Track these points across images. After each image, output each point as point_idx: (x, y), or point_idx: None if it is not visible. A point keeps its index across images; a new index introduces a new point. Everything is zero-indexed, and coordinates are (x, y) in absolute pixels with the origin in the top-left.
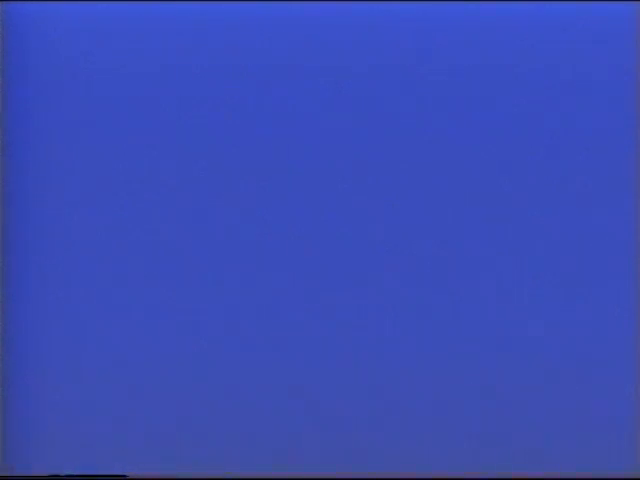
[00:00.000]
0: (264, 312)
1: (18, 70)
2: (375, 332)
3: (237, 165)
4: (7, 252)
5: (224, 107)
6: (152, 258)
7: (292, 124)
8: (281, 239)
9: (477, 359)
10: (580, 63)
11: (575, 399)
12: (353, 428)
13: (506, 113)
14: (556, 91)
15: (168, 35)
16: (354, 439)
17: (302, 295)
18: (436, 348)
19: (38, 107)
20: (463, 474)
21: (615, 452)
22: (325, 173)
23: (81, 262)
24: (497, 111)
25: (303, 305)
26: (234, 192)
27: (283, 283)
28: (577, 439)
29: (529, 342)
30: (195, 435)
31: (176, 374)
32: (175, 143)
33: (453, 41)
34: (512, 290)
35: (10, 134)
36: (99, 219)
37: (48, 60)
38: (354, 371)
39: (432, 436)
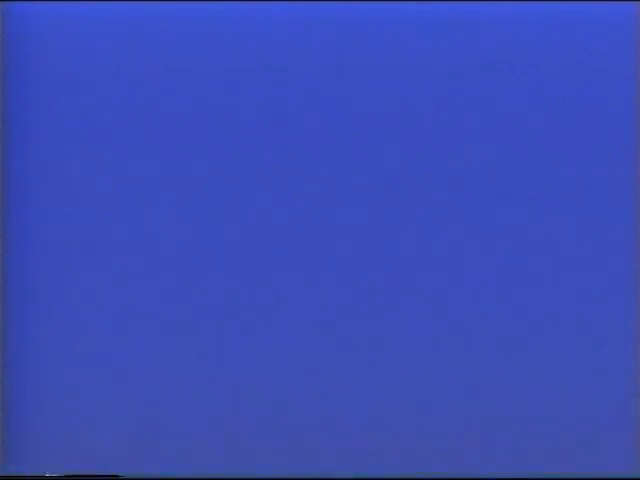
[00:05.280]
0: (263, 313)
1: (18, 70)
2: (374, 331)
3: (236, 164)
4: (7, 251)
5: (224, 107)
6: (152, 258)
7: (291, 123)
8: (281, 239)
9: (476, 358)
10: (580, 63)
11: (575, 399)
12: (352, 428)
13: (506, 112)
14: (556, 90)
15: (168, 35)
16: (354, 439)
17: (300, 294)
18: (435, 348)
19: (38, 107)
20: (463, 474)
21: (615, 452)
22: (324, 172)
23: (81, 261)
24: (497, 111)
25: (301, 304)
26: (233, 191)
27: (282, 283)
28: (577, 439)
29: (529, 342)
30: (193, 435)
31: (175, 375)
32: (174, 142)
33: (452, 41)
34: (511, 291)
35: (10, 134)
36: (99, 219)
37: (48, 60)
38: (354, 371)
39: (431, 436)
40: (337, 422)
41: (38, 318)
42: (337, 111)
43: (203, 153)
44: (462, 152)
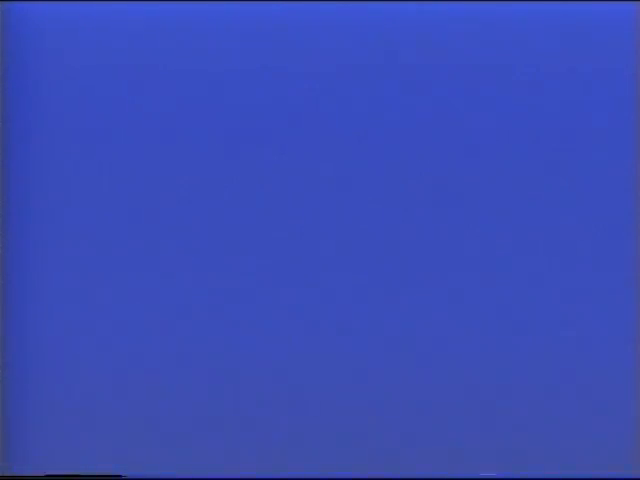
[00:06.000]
0: (264, 314)
1: (18, 70)
2: (374, 332)
3: (236, 164)
4: (7, 251)
5: (224, 107)
6: (152, 259)
7: (291, 123)
8: (280, 238)
9: (476, 358)
10: (580, 63)
11: (575, 399)
12: (352, 428)
13: (505, 112)
14: (556, 91)
15: (168, 35)
16: (352, 439)
17: (300, 295)
18: (434, 347)
19: (38, 106)
20: (463, 474)
21: (615, 452)
22: (324, 172)
23: (80, 261)
24: (496, 111)
25: (301, 304)
26: (233, 191)
27: (282, 283)
28: (577, 439)
29: (529, 343)
30: (194, 434)
31: (176, 375)
32: (174, 142)
33: (452, 41)
34: (512, 291)
35: (10, 134)
36: (99, 219)
37: (48, 60)
38: (353, 372)
39: (431, 436)
40: (337, 422)
41: (38, 318)
42: (337, 111)
43: (203, 152)
44: (462, 152)
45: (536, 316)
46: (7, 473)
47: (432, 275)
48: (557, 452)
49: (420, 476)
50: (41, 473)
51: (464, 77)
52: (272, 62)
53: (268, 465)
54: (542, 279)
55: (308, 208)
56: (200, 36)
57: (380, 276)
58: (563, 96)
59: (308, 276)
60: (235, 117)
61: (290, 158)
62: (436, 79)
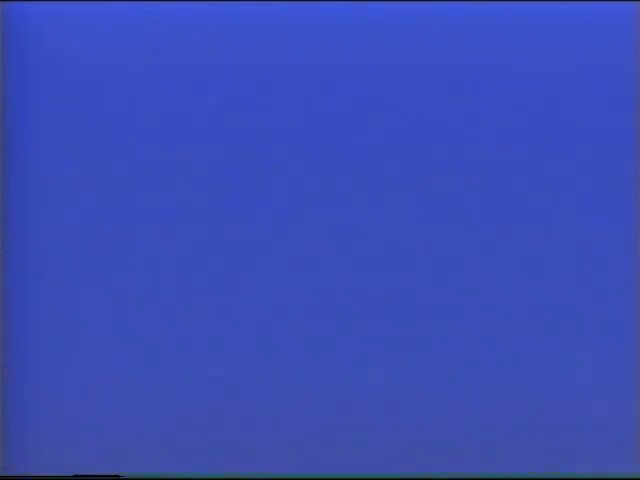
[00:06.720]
0: (265, 314)
1: (18, 70)
2: (375, 333)
3: (238, 164)
4: (7, 251)
5: (225, 107)
6: (153, 259)
7: (292, 123)
8: (280, 239)
9: (475, 357)
10: (580, 63)
11: (575, 399)
12: (351, 428)
13: (505, 113)
14: (555, 91)
15: (169, 35)
16: (353, 439)
17: (300, 297)
18: (433, 346)
19: (38, 107)
20: (463, 474)
21: (615, 452)
22: (325, 173)
23: (81, 262)
24: (496, 111)
25: (300, 304)
26: (233, 192)
27: (281, 283)
28: (577, 439)
29: (529, 342)
30: (194, 434)
31: (175, 375)
32: (175, 142)
33: (451, 41)
34: (512, 290)
35: (10, 134)
36: (99, 220)
37: (49, 60)
38: (354, 373)
39: (431, 436)
40: (337, 422)
41: (38, 318)
42: (338, 112)
43: (203, 154)
44: (461, 152)
45: (535, 316)
46: (7, 473)
47: (431, 273)
48: (557, 451)
49: (420, 476)
50: (41, 473)
51: (463, 77)
52: (273, 62)
53: (268, 465)
54: (542, 279)
55: (307, 208)
56: (201, 35)
57: (380, 277)
58: (563, 96)
59: (308, 276)
60: (235, 117)
61: (289, 159)
62: (436, 79)
